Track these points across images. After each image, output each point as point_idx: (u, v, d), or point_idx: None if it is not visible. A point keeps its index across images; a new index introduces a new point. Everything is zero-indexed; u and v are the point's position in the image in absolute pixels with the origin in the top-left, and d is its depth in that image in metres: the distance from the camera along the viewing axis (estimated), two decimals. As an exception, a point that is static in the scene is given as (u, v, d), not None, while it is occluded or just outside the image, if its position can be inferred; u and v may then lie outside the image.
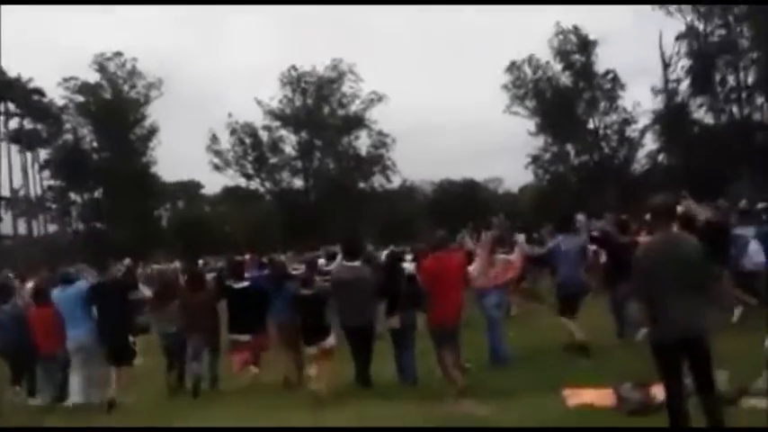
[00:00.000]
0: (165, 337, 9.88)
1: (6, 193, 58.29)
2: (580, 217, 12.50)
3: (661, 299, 5.25)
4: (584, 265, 10.49)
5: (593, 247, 11.78)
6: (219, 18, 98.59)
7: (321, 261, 13.45)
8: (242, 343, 9.48)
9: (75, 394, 9.27)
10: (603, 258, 12.09)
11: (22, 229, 59.15)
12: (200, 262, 22.20)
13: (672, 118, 48.19)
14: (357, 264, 9.11)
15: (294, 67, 55.73)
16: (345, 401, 8.16)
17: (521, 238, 11.23)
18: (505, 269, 10.17)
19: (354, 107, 56.26)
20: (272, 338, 9.68)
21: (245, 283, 9.85)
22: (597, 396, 7.05)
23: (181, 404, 9.12)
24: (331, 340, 8.83)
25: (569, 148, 53.44)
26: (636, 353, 8.25)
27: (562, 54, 52.34)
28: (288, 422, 7.35)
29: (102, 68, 54.67)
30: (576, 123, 52.13)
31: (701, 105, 48.89)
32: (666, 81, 49.41)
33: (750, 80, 47.81)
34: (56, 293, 9.85)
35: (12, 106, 57.67)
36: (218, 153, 54.92)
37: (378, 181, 56.99)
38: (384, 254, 12.50)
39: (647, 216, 7.04)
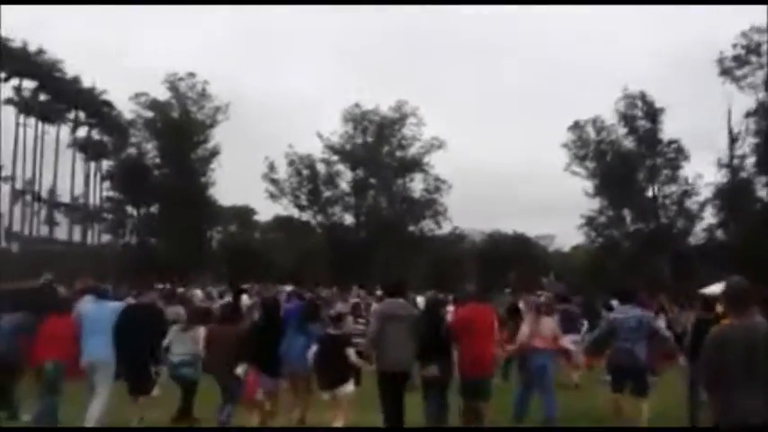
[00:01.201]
0: (173, 368, 9.41)
1: (67, 199, 60.10)
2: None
3: (732, 388, 5.03)
4: (644, 341, 9.73)
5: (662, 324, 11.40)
6: (289, 50, 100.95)
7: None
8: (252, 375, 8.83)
9: (92, 417, 8.64)
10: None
11: (77, 236, 60.70)
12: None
13: (734, 193, 47.29)
14: (402, 301, 8.77)
15: (358, 105, 56.53)
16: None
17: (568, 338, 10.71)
18: (555, 337, 9.97)
19: (413, 150, 56.64)
20: (282, 385, 9.12)
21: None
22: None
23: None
24: (350, 387, 8.46)
25: (625, 213, 52.74)
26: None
27: (627, 118, 52.03)
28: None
29: (173, 87, 56.18)
30: (635, 189, 51.51)
31: (766, 184, 47.88)
32: (732, 156, 48.61)
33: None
34: (87, 307, 9.49)
35: (82, 115, 59.68)
36: (274, 182, 55.63)
37: (428, 225, 56.97)
38: (422, 299, 12.16)
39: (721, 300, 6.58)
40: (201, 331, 9.49)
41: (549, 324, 9.97)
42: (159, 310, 10.43)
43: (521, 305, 12.60)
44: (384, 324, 8.42)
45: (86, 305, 9.55)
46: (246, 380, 8.80)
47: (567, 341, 10.62)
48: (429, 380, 8.32)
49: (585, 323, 14.03)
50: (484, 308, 9.11)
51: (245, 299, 16.75)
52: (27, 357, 9.08)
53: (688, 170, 51.26)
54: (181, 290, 21.94)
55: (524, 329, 9.42)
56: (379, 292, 17.29)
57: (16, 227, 56.30)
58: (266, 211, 74.37)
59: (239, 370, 8.69)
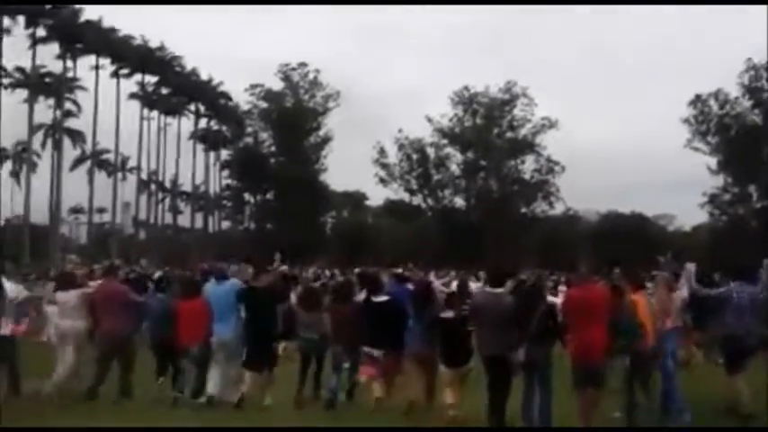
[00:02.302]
0: (306, 343, 9.73)
1: (188, 188, 62.87)
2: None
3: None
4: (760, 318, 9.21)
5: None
6: (396, 35, 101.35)
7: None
8: (373, 358, 9.03)
9: (212, 388, 9.21)
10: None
11: (198, 223, 63.50)
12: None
13: None
14: (499, 290, 8.56)
15: (467, 87, 56.25)
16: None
17: (691, 267, 9.97)
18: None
19: (525, 131, 55.88)
20: (405, 364, 9.17)
21: (385, 297, 9.60)
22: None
23: (312, 415, 8.98)
24: (471, 365, 8.54)
25: (752, 189, 50.18)
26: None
27: (752, 91, 49.36)
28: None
29: (286, 77, 57.79)
30: (762, 164, 48.85)
31: None
32: None
33: None
34: (209, 288, 9.85)
35: (201, 108, 62.20)
36: (384, 166, 56.35)
37: (540, 206, 56.14)
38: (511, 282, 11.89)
39: None
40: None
41: (678, 302, 9.37)
42: (278, 291, 10.73)
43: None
44: (478, 314, 8.43)
45: (209, 286, 9.94)
46: (366, 360, 9.10)
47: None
48: (521, 365, 8.12)
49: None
50: (599, 288, 8.54)
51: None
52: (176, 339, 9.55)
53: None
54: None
55: (655, 309, 8.73)
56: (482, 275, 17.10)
57: (142, 215, 59.45)
58: (377, 195, 75.30)
59: (375, 353, 9.06)
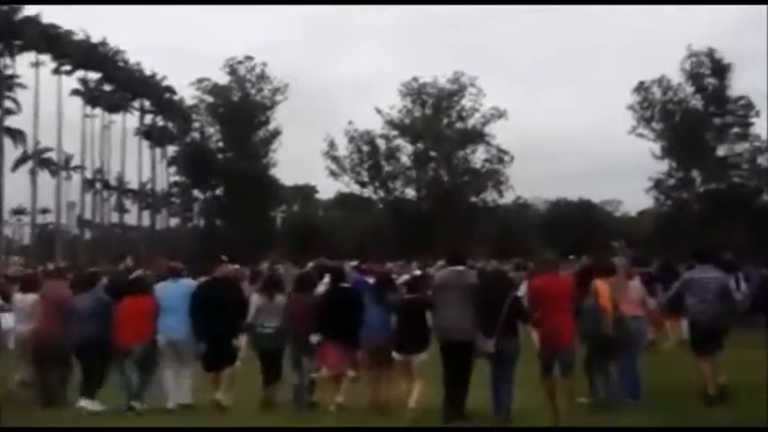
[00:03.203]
0: (261, 336, 9.21)
1: (135, 186, 61.57)
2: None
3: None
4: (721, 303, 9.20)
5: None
6: (343, 26, 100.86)
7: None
8: (332, 350, 8.75)
9: (170, 395, 8.89)
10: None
11: (146, 221, 62.22)
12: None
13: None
14: (461, 268, 8.56)
15: (416, 78, 56.19)
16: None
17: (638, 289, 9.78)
18: (642, 301, 9.58)
19: (473, 121, 56.13)
20: (362, 359, 8.89)
21: (349, 285, 9.49)
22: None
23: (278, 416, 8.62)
24: (425, 355, 8.25)
25: (695, 174, 51.24)
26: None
27: (694, 77, 50.41)
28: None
29: (232, 71, 56.91)
30: (705, 149, 49.93)
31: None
32: (806, 110, 46.59)
33: None
34: (162, 286, 9.57)
35: (147, 103, 60.83)
36: (335, 159, 56.00)
37: (490, 195, 56.52)
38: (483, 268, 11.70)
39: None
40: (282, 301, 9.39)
41: (636, 288, 9.54)
42: (236, 283, 10.43)
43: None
44: (443, 292, 8.31)
45: (163, 284, 9.63)
46: (322, 350, 8.80)
47: (651, 305, 10.18)
48: (487, 355, 8.02)
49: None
50: (562, 276, 8.79)
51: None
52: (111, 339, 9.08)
53: (759, 127, 49.54)
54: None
55: (612, 295, 8.70)
56: (440, 263, 17.11)
57: (87, 215, 57.87)
58: (328, 188, 74.97)
59: (314, 339, 8.74)
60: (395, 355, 8.38)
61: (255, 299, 9.51)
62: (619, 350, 8.61)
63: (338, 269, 10.09)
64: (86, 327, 9.09)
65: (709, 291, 8.80)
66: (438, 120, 55.86)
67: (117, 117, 58.83)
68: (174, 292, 9.30)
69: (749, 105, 49.60)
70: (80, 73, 55.45)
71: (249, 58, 56.84)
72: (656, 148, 51.49)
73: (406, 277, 10.64)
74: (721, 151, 50.51)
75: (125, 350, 8.97)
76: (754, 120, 49.60)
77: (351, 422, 8.13)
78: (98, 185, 58.19)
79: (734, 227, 44.41)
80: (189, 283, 9.62)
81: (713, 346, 8.81)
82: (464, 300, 8.10)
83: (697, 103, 50.62)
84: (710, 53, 49.70)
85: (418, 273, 11.33)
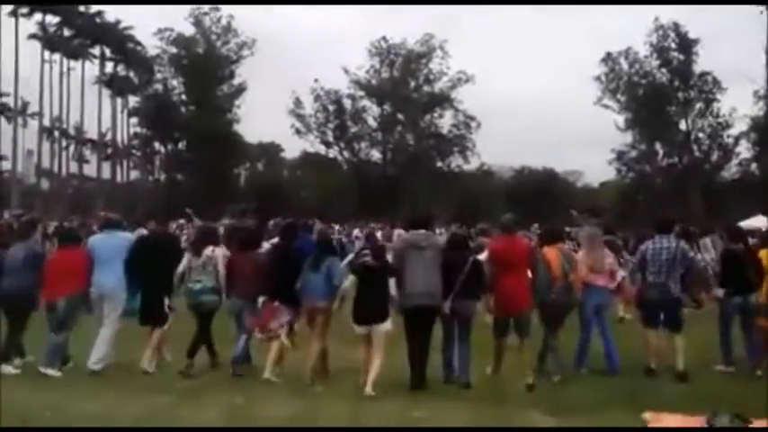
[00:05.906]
0: (188, 293, 8.70)
1: (94, 136, 60.11)
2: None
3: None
4: (678, 273, 9.17)
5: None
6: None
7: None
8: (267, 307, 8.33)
9: (98, 352, 8.33)
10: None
11: (106, 173, 60.90)
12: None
13: (770, 126, 46.11)
14: (425, 231, 8.34)
15: (385, 38, 55.57)
16: (390, 396, 7.42)
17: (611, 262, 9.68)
18: (612, 272, 9.56)
19: (441, 85, 55.76)
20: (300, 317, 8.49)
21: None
22: (683, 423, 6.24)
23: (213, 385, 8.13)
24: (388, 325, 7.84)
25: (658, 147, 51.80)
26: (744, 381, 7.65)
27: (660, 51, 50.63)
28: (325, 414, 6.85)
29: (197, 22, 55.42)
30: (668, 123, 50.43)
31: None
32: (769, 88, 47.18)
33: None
34: (97, 237, 9.14)
35: (107, 51, 59.09)
36: (300, 117, 55.39)
37: (456, 161, 56.48)
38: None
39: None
40: (220, 257, 8.87)
41: (606, 258, 9.33)
42: (176, 238, 9.94)
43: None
44: (407, 253, 8.07)
45: (97, 237, 9.20)
46: (263, 312, 8.39)
47: (619, 275, 10.16)
48: (445, 317, 8.02)
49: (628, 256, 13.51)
50: (520, 240, 8.85)
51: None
52: (39, 293, 8.58)
53: (723, 103, 50.15)
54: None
55: (580, 265, 8.66)
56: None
57: (45, 164, 56.43)
58: (293, 147, 74.14)
59: (259, 300, 8.38)
60: (355, 327, 7.94)
61: (186, 256, 9.08)
62: (563, 318, 8.60)
63: (288, 225, 9.63)
64: (14, 279, 8.53)
65: (661, 261, 8.72)
66: (405, 82, 55.40)
67: (76, 64, 57.25)
68: (108, 244, 8.80)
69: (714, 81, 50.08)
70: (38, 16, 53.75)
71: (215, 9, 55.41)
72: (621, 120, 52.00)
73: (356, 232, 10.35)
74: (684, 126, 51.05)
75: (50, 305, 8.45)
76: (718, 96, 50.16)
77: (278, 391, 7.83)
78: (56, 134, 56.74)
79: (693, 201, 45.16)
80: (124, 236, 9.20)
81: (666, 318, 8.71)
82: (430, 263, 7.97)
83: (662, 76, 50.98)
84: (676, 27, 49.93)
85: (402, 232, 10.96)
